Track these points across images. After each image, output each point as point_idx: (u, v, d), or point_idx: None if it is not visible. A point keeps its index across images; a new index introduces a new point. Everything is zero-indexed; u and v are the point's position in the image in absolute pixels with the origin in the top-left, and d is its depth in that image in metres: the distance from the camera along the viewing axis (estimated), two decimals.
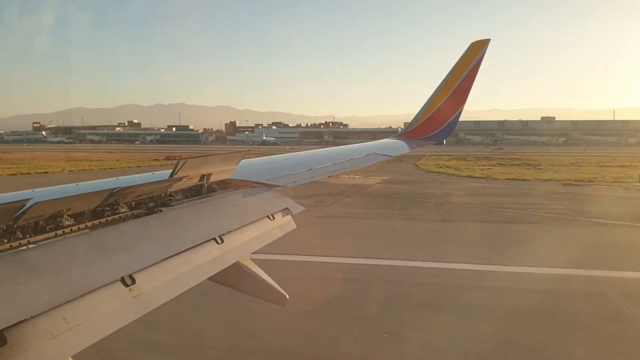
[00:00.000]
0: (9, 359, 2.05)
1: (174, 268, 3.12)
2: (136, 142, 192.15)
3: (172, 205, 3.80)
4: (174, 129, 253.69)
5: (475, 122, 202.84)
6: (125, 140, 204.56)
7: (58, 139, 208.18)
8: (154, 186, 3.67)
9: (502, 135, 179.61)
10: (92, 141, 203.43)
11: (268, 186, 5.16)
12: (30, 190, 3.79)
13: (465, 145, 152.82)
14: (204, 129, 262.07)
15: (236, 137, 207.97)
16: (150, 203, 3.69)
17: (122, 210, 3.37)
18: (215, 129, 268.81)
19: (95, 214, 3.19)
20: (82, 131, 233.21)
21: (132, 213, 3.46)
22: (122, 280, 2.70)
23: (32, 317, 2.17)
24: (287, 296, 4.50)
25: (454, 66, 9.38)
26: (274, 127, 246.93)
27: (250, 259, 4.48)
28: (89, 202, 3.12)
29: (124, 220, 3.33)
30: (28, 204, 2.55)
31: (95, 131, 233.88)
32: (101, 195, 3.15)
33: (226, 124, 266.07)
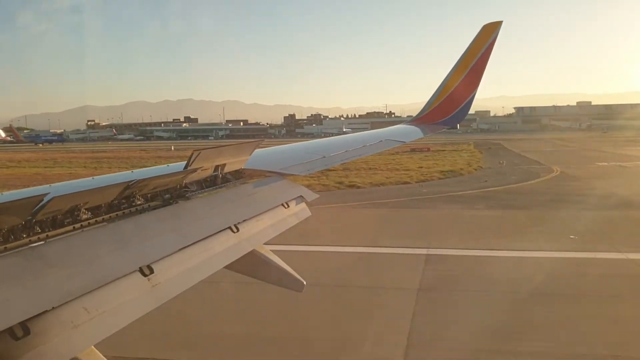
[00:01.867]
0: (32, 349, 2.07)
1: (191, 257, 3.15)
2: (210, 138, 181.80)
3: (187, 197, 3.83)
4: (241, 123, 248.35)
5: (554, 107, 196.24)
6: (198, 136, 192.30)
7: (127, 136, 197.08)
8: (169, 178, 3.70)
9: (589, 119, 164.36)
10: (160, 138, 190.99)
11: (282, 175, 5.19)
12: (48, 185, 3.83)
13: (555, 131, 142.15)
14: (268, 124, 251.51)
15: (305, 130, 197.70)
16: (166, 195, 3.72)
17: (139, 202, 3.40)
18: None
19: (112, 207, 3.22)
20: (149, 128, 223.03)
21: (149, 205, 3.49)
22: (141, 270, 2.74)
23: (53, 307, 2.20)
24: (304, 282, 4.51)
25: (466, 49, 9.25)
26: (342, 119, 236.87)
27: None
28: (105, 196, 3.14)
29: (141, 213, 3.36)
30: (46, 199, 2.57)
31: (163, 127, 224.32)
32: (117, 188, 3.17)
33: (285, 117, 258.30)
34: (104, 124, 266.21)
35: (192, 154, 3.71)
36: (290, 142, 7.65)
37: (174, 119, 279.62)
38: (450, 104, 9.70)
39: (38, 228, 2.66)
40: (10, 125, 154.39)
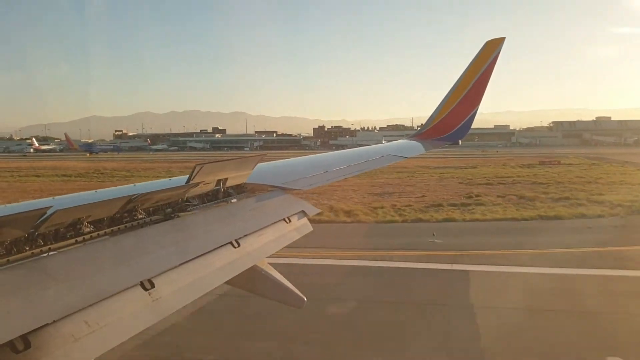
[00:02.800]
0: None
1: (192, 272, 3.17)
2: (245, 149, 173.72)
3: (188, 211, 3.84)
4: (274, 134, 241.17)
5: (595, 121, 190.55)
6: (232, 147, 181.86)
7: (161, 146, 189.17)
8: (171, 192, 3.72)
9: (632, 135, 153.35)
10: (194, 148, 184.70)
11: (284, 189, 5.18)
12: (51, 198, 3.89)
13: (602, 146, 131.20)
14: (300, 135, 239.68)
15: (338, 142, 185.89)
16: (168, 209, 3.73)
17: (140, 216, 3.42)
18: (294, 134, 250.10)
19: (114, 220, 3.24)
20: (181, 138, 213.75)
21: (150, 219, 3.50)
22: (142, 285, 2.76)
23: (54, 321, 2.22)
24: (305, 299, 4.49)
25: (469, 65, 9.26)
26: (376, 131, 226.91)
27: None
28: (107, 209, 3.17)
29: (142, 227, 3.38)
30: (49, 212, 2.61)
31: (196, 138, 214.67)
32: (119, 202, 3.20)
33: (314, 129, 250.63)
34: (131, 134, 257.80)
35: (195, 168, 3.72)
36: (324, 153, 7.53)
37: (201, 130, 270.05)
38: (453, 120, 9.69)
39: (41, 241, 2.69)
40: (65, 134, 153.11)
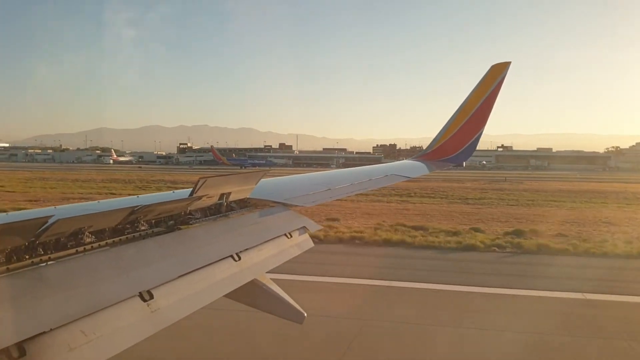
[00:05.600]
0: None
1: (191, 284, 3.15)
2: (332, 165, 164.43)
3: (191, 224, 3.84)
4: (354, 152, 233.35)
5: (617, 149, 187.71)
6: (312, 163, 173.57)
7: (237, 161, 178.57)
8: (174, 205, 3.72)
9: None
10: (274, 164, 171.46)
11: (286, 205, 5.18)
12: (53, 207, 3.89)
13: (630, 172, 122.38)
14: (376, 153, 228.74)
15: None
16: (170, 221, 3.74)
17: (142, 228, 3.42)
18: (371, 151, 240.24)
19: (116, 231, 3.24)
20: (260, 153, 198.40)
21: (152, 231, 3.50)
22: (140, 296, 2.74)
23: (51, 329, 2.20)
24: (305, 314, 4.47)
25: (474, 88, 9.35)
26: None
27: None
28: (109, 220, 3.17)
29: (143, 238, 3.38)
30: (50, 221, 2.62)
31: (274, 154, 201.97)
32: (122, 213, 3.20)
33: (385, 147, 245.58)
34: (196, 147, 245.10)
35: (198, 181, 3.73)
36: None
37: (265, 145, 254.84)
38: (457, 142, 9.74)
39: (41, 250, 2.69)
40: (211, 147, 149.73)
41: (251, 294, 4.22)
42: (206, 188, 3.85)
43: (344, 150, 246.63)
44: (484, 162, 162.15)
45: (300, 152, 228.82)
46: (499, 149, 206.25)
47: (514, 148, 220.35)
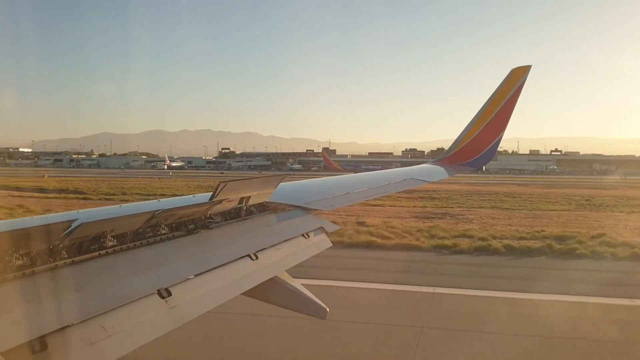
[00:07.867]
0: None
1: (209, 282, 3.25)
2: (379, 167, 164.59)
3: (211, 228, 3.86)
4: (409, 156, 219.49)
5: None
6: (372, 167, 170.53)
7: (297, 166, 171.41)
8: (194, 209, 3.74)
9: None
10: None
11: (305, 209, 5.24)
12: (76, 211, 3.96)
13: None
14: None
15: None
16: (190, 225, 3.74)
17: (163, 231, 3.44)
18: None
19: (137, 235, 3.26)
20: (311, 158, 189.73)
21: (173, 235, 3.51)
22: (159, 293, 2.80)
23: (72, 324, 2.26)
24: (328, 309, 4.49)
25: (494, 92, 9.35)
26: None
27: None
28: (131, 224, 3.20)
29: (164, 242, 3.41)
30: (74, 224, 2.66)
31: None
32: (143, 217, 3.23)
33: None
34: (238, 152, 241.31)
35: (219, 185, 3.73)
36: None
37: (307, 150, 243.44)
38: (477, 146, 9.72)
39: (65, 252, 2.72)
40: (322, 152, 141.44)
41: (271, 292, 4.24)
42: (226, 192, 3.86)
43: (390, 154, 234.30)
44: (554, 167, 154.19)
45: (353, 156, 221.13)
46: (553, 153, 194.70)
47: (519, 152, 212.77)
